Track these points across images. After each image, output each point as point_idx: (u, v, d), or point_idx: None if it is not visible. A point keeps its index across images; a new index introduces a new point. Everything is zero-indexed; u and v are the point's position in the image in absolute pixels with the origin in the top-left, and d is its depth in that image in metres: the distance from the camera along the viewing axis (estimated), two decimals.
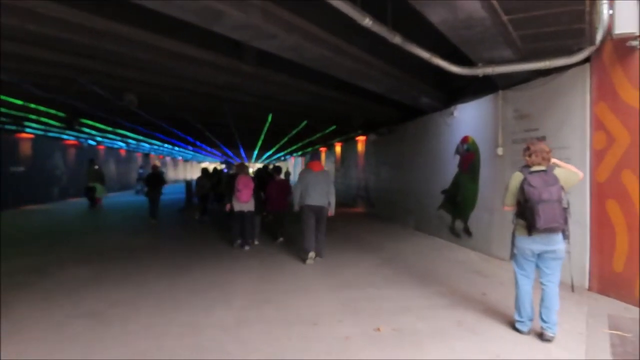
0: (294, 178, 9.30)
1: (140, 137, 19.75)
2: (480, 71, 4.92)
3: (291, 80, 7.33)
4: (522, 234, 3.45)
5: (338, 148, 19.54)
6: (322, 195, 6.43)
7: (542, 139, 5.35)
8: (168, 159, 40.20)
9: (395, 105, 10.29)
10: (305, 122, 13.42)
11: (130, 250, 7.48)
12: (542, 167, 3.33)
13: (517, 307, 3.59)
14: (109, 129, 16.03)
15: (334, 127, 14.40)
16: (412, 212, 10.16)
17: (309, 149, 25.28)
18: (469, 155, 7.43)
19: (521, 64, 4.70)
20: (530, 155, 3.40)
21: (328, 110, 10.36)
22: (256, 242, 7.89)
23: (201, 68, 6.05)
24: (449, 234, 8.21)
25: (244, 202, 7.30)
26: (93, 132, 16.68)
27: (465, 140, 7.59)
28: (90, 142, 20.82)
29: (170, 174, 41.47)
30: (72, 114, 11.94)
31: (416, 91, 7.30)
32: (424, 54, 4.92)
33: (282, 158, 39.50)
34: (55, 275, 5.69)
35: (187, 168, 53.06)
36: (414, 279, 5.52)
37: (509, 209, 3.69)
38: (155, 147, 26.51)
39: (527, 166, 3.42)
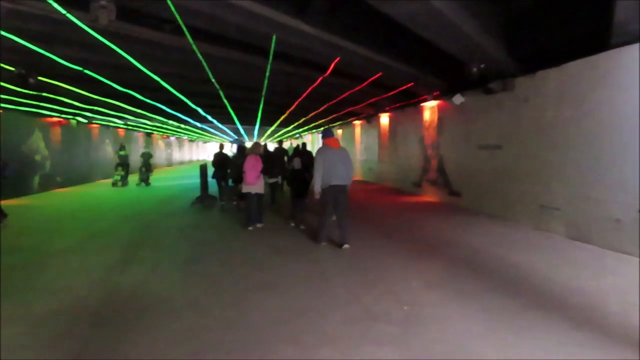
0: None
1: (139, 111, 15.49)
2: None
3: None
4: None
5: (385, 119, 15.73)
6: (345, 173, 5.93)
7: None
8: (173, 138, 36.05)
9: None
10: (378, 74, 8.94)
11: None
12: None
13: None
14: (94, 97, 11.78)
15: (410, 84, 9.98)
16: (561, 210, 6.55)
17: (338, 123, 20.84)
18: None
19: None
20: None
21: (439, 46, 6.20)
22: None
23: None
24: None
25: (249, 184, 7.08)
26: (75, 102, 12.46)
27: None
28: (80, 119, 16.58)
29: (176, 155, 37.62)
30: (25, 66, 7.46)
31: None
32: None
33: (297, 135, 34.81)
34: None
35: (192, 149, 48.60)
36: None
37: None
38: (158, 125, 22.22)
39: None
